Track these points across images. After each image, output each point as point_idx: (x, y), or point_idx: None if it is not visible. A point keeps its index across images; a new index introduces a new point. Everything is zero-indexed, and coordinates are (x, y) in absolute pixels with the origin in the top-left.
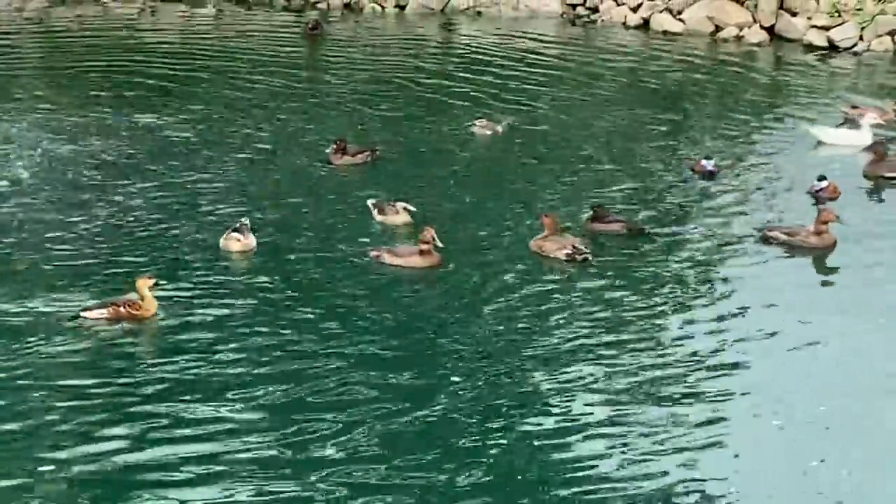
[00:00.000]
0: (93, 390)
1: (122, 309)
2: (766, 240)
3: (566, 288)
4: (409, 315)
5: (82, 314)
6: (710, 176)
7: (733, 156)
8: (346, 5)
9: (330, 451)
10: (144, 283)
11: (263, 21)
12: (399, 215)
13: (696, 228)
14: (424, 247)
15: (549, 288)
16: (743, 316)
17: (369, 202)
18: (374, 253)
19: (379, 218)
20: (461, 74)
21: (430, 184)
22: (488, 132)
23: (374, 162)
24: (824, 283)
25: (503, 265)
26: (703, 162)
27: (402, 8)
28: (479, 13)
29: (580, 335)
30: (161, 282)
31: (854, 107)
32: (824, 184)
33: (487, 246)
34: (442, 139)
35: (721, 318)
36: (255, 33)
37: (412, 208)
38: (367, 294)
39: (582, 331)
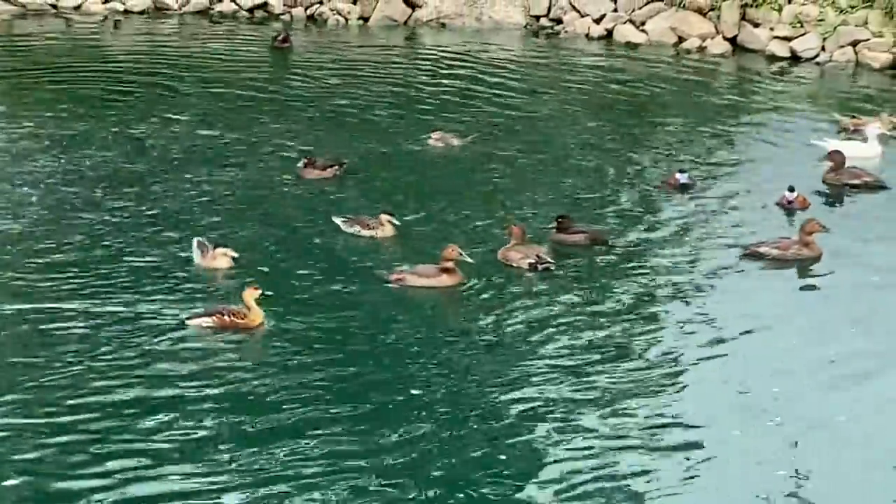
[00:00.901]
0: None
1: (227, 318)
2: (754, 256)
3: (527, 297)
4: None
5: (187, 321)
6: (683, 189)
7: (701, 167)
8: (310, 17)
9: None
10: (251, 294)
11: (229, 33)
12: (384, 227)
13: (664, 240)
14: (448, 264)
15: (510, 297)
16: (708, 325)
17: (338, 219)
18: (394, 276)
19: (356, 230)
20: (426, 87)
21: (399, 197)
22: (441, 145)
23: (341, 176)
24: (798, 292)
25: (471, 276)
26: (678, 175)
27: (366, 20)
28: (442, 25)
29: (539, 344)
30: (268, 293)
31: (854, 118)
32: (794, 195)
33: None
34: (406, 153)
35: (682, 327)
36: (222, 46)
37: (396, 221)
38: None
39: (540, 339)
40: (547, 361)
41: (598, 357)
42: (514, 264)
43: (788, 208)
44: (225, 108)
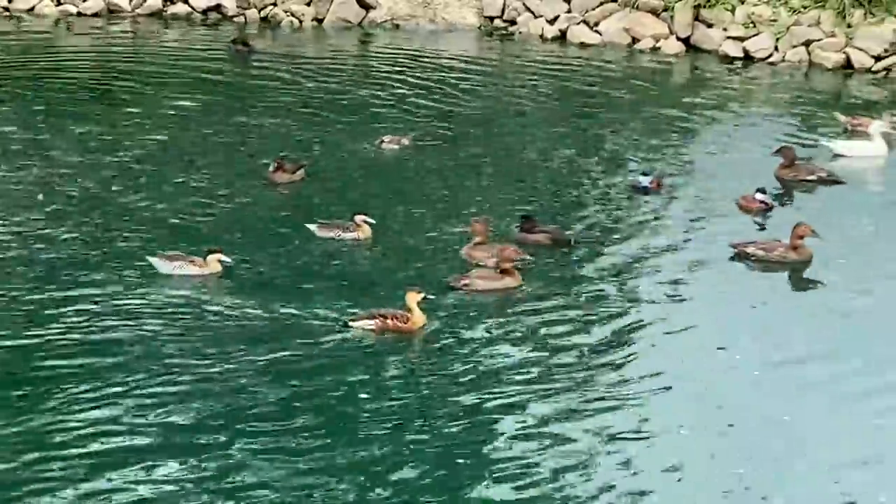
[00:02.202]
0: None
1: (389, 321)
2: (741, 257)
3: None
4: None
5: (350, 323)
6: (644, 192)
7: (658, 167)
8: (264, 19)
9: None
10: (414, 297)
11: (182, 37)
12: (362, 229)
13: (626, 240)
14: (507, 265)
15: (481, 297)
16: (668, 326)
17: (312, 226)
18: (464, 282)
19: (335, 234)
20: (380, 89)
21: (363, 198)
22: (396, 146)
23: (303, 179)
24: (768, 297)
25: (435, 274)
26: (640, 178)
27: (320, 21)
28: (396, 26)
29: (507, 343)
30: (430, 296)
31: (853, 117)
32: (760, 196)
33: (419, 255)
34: (363, 155)
35: (644, 328)
36: (177, 49)
37: (371, 220)
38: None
39: (509, 339)
40: (513, 361)
41: (562, 359)
42: (481, 263)
43: (758, 210)
44: (181, 111)
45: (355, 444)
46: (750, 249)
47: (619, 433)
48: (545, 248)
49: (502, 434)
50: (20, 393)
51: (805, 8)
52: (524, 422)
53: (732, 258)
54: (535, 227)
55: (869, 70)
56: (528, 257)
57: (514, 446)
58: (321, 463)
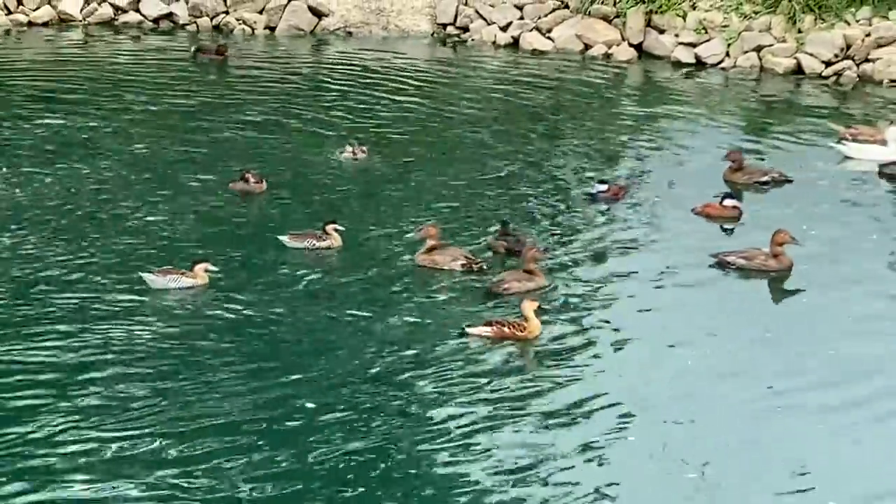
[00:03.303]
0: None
1: (506, 329)
2: (721, 265)
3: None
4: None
5: (467, 329)
6: (600, 201)
7: (613, 174)
8: (216, 27)
9: None
10: (531, 305)
11: (135, 44)
12: (333, 237)
13: (585, 248)
14: (533, 266)
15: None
16: (625, 334)
17: (283, 237)
18: (505, 286)
19: (309, 244)
20: (336, 98)
21: (329, 208)
22: (354, 157)
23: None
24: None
25: (392, 281)
26: (597, 186)
27: (272, 29)
28: (349, 34)
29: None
30: (544, 306)
31: (848, 126)
32: (730, 202)
33: (378, 263)
34: (321, 165)
35: (603, 336)
36: (130, 57)
37: (341, 228)
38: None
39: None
40: (468, 369)
41: (515, 362)
42: (445, 267)
43: (729, 216)
44: (136, 120)
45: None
46: (731, 259)
47: (577, 446)
48: (508, 255)
49: (455, 438)
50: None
51: (756, 14)
52: (473, 423)
53: (711, 266)
54: (505, 234)
55: (820, 75)
56: (479, 259)
57: (468, 452)
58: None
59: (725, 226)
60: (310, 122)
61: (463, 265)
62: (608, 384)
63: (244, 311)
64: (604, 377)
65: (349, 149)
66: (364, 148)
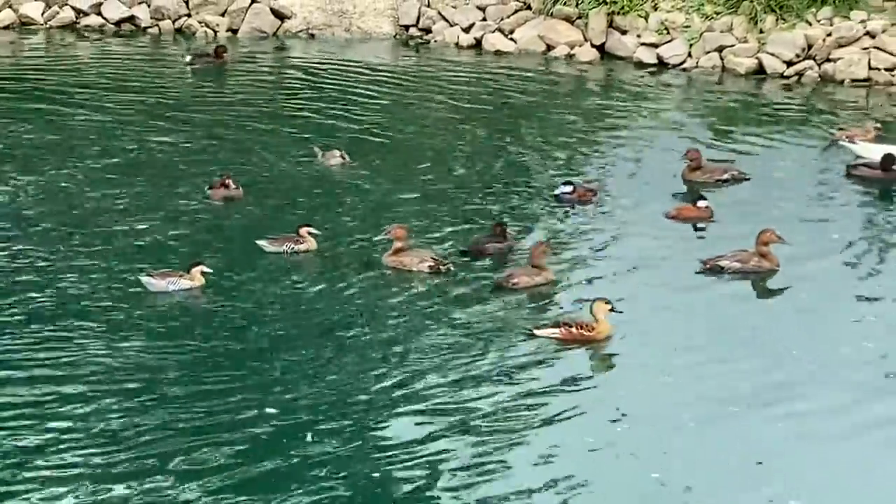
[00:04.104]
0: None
1: (574, 330)
2: (713, 271)
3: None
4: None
5: (535, 331)
6: (566, 202)
7: (581, 177)
8: (178, 30)
9: None
10: (602, 307)
11: (99, 48)
12: (308, 240)
13: (559, 249)
14: (541, 261)
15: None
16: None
17: (261, 241)
18: (514, 280)
19: (288, 248)
20: (300, 101)
21: (305, 212)
22: (336, 162)
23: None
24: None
25: (360, 283)
26: (562, 187)
27: (235, 32)
28: (312, 36)
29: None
30: (618, 310)
31: (840, 129)
32: (703, 203)
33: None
34: (290, 169)
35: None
36: (94, 61)
37: (316, 232)
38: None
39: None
40: (445, 370)
41: (483, 361)
42: (413, 268)
43: (699, 217)
44: (105, 126)
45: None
46: (723, 263)
47: (541, 444)
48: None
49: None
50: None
51: (717, 14)
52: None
53: (700, 272)
54: (494, 235)
55: (781, 75)
56: (446, 261)
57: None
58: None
59: (699, 226)
60: (282, 126)
61: (430, 266)
62: (575, 384)
63: (231, 315)
64: (573, 377)
65: (337, 153)
66: (333, 152)
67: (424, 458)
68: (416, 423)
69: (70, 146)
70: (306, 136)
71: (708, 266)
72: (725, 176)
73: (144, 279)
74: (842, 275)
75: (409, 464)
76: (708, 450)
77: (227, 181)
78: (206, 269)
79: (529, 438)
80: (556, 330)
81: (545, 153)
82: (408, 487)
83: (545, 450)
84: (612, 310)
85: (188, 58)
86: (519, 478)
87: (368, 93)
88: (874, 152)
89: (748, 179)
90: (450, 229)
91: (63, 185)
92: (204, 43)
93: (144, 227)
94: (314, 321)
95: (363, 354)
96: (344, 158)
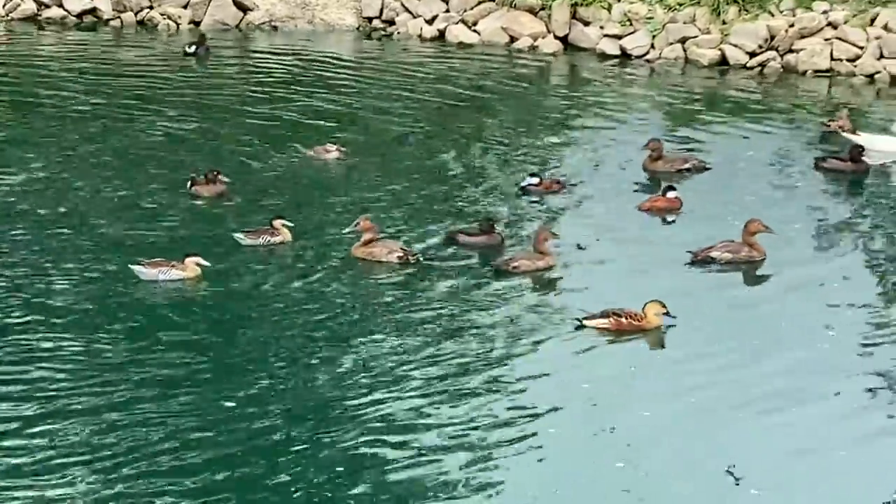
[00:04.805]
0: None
1: (623, 320)
2: (703, 262)
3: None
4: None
5: (584, 322)
6: (531, 193)
7: (542, 167)
8: (140, 22)
9: None
10: (655, 308)
11: (60, 40)
12: (283, 232)
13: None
14: (544, 247)
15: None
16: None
17: (238, 235)
18: (514, 264)
19: (264, 240)
20: (263, 94)
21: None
22: (333, 156)
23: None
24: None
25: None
26: (529, 179)
27: (197, 24)
28: (275, 28)
29: (417, 339)
30: (671, 315)
31: (831, 120)
32: (673, 194)
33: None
34: (262, 164)
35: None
36: (55, 53)
37: (290, 224)
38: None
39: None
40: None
41: (447, 358)
42: (382, 259)
43: (669, 208)
44: (74, 117)
45: None
46: (714, 254)
47: (507, 434)
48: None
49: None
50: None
51: (681, 5)
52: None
53: (689, 264)
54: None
55: (744, 66)
56: (414, 252)
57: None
58: None
59: (668, 218)
60: (253, 121)
61: (399, 257)
62: (539, 374)
63: (212, 310)
64: (539, 368)
65: (332, 147)
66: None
67: (410, 446)
68: (408, 408)
69: (49, 139)
70: (275, 129)
71: (699, 257)
72: (686, 166)
73: (136, 268)
74: (811, 265)
75: (399, 449)
76: (675, 439)
77: (217, 176)
78: (202, 262)
79: (494, 424)
80: (606, 320)
81: (509, 145)
82: (394, 476)
83: (509, 435)
84: (666, 313)
85: (192, 48)
86: (482, 462)
87: (332, 85)
88: (877, 143)
89: (709, 169)
90: (415, 222)
91: (36, 177)
92: (166, 36)
93: (126, 222)
94: (294, 318)
95: (339, 348)
96: (340, 152)
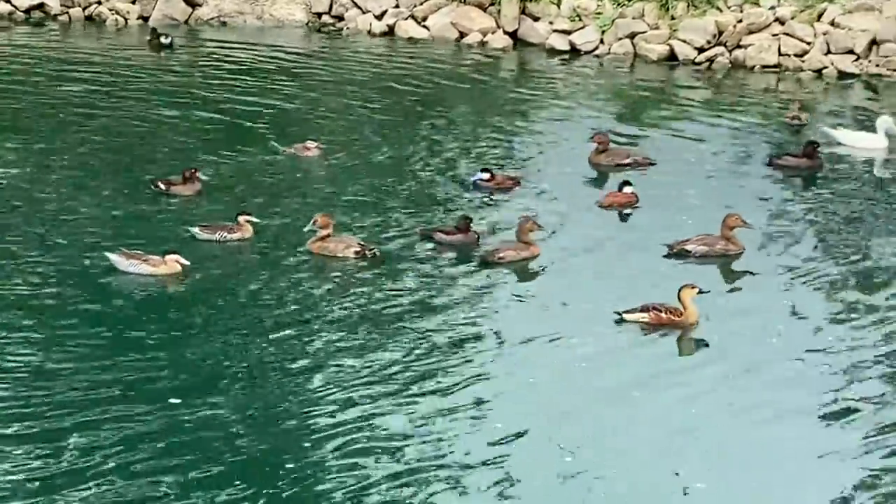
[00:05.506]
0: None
1: (663, 315)
2: (679, 255)
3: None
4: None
5: (624, 316)
6: (479, 188)
7: (492, 162)
8: (88, 18)
9: None
10: (688, 293)
11: (10, 38)
12: (245, 228)
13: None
14: (529, 237)
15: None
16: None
17: (194, 229)
18: (500, 255)
19: (220, 236)
20: (210, 90)
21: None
22: (314, 154)
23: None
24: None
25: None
26: (478, 174)
27: (146, 20)
28: (224, 23)
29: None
30: (704, 290)
31: (794, 115)
32: (629, 189)
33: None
34: (251, 162)
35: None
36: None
37: (256, 220)
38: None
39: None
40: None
41: (416, 354)
42: (338, 254)
43: (626, 202)
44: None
45: None
46: (690, 247)
47: (455, 432)
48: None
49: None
50: None
51: (629, 1)
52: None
53: (666, 256)
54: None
55: (693, 62)
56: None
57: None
58: None
59: (625, 213)
60: (185, 116)
61: (356, 252)
62: (487, 372)
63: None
64: (487, 366)
65: (312, 145)
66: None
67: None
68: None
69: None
70: (240, 126)
71: (674, 250)
72: (627, 161)
73: (113, 256)
74: (765, 261)
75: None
76: (620, 432)
77: (195, 174)
78: (182, 261)
79: (440, 422)
80: (646, 315)
81: (459, 141)
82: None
83: (457, 433)
84: (699, 292)
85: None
86: (433, 461)
87: (283, 82)
88: (860, 140)
89: (654, 164)
90: (371, 219)
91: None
92: (115, 30)
93: (90, 217)
94: (252, 314)
95: (300, 347)
96: (320, 150)
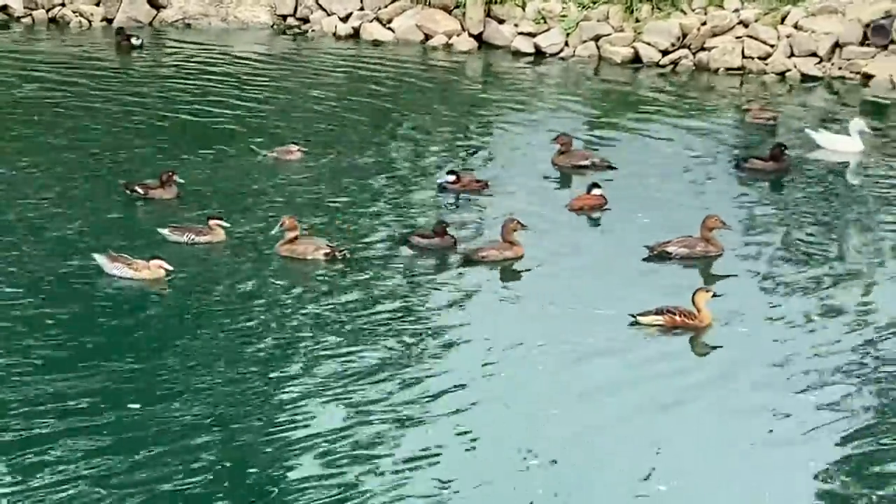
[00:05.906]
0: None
1: (678, 317)
2: (660, 257)
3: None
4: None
5: (638, 318)
6: (447, 190)
7: (462, 166)
8: (52, 20)
9: None
10: (703, 296)
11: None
12: (216, 232)
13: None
14: (513, 237)
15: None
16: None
17: (164, 230)
18: (482, 254)
19: (189, 238)
20: (172, 93)
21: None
22: (295, 157)
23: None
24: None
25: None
26: (446, 176)
27: (110, 21)
28: (188, 25)
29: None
30: (718, 293)
31: (747, 110)
32: (598, 192)
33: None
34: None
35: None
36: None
37: (226, 224)
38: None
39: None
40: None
41: (394, 350)
42: (308, 256)
43: (595, 205)
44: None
45: None
46: (671, 249)
47: (422, 434)
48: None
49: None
50: None
51: (594, 3)
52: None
53: (647, 259)
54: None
55: (657, 64)
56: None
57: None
58: None
59: (592, 216)
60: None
61: (326, 254)
62: (453, 374)
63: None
64: (453, 368)
65: (294, 148)
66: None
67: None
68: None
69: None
70: (218, 129)
71: (655, 252)
72: (585, 162)
73: (99, 258)
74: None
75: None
76: (591, 436)
77: (172, 177)
78: (166, 266)
79: (406, 426)
80: (660, 317)
81: (424, 143)
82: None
83: (425, 436)
84: (714, 295)
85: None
86: (396, 465)
87: (253, 84)
88: (837, 143)
89: (614, 168)
90: (338, 222)
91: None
92: (78, 32)
93: (66, 221)
94: (221, 317)
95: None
96: (302, 153)
